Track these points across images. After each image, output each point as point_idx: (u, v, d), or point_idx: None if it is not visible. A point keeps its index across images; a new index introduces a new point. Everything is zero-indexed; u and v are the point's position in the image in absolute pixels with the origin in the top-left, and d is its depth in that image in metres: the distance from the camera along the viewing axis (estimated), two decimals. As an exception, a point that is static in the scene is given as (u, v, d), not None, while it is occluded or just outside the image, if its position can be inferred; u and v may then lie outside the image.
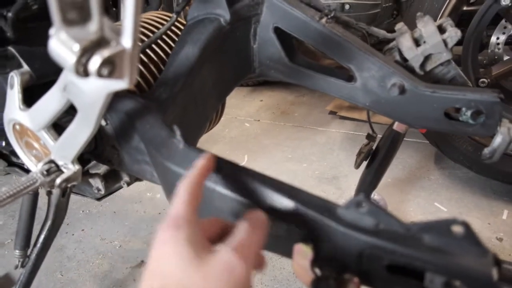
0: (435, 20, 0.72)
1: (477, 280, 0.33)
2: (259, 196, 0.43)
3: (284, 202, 0.42)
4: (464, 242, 0.33)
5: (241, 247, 0.35)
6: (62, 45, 0.32)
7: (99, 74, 0.33)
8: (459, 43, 1.12)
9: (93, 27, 0.32)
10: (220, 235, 0.41)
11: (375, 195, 1.14)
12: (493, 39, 1.23)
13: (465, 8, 1.17)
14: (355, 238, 0.38)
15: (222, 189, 0.46)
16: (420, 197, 1.32)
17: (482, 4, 1.09)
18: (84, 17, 0.31)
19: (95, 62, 0.32)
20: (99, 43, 0.32)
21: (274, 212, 0.43)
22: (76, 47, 0.31)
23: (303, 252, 0.41)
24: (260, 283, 1.05)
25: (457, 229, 0.33)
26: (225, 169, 0.46)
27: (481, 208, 1.23)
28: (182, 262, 0.33)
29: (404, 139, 1.51)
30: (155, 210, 1.40)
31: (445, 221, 0.34)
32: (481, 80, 1.11)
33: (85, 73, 0.33)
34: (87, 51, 0.32)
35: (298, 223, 0.42)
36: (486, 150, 0.67)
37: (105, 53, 0.33)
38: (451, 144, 1.25)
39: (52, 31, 0.32)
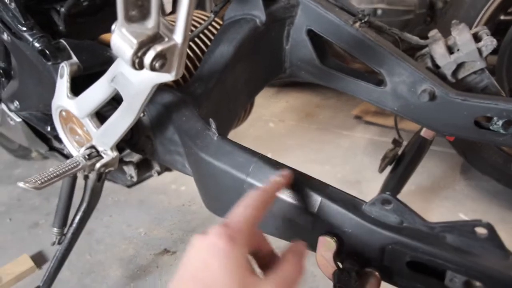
0: (470, 28, 0.72)
1: (498, 282, 0.34)
2: (288, 189, 0.46)
3: (312, 195, 0.44)
4: (487, 244, 0.35)
5: (283, 286, 0.36)
6: (122, 40, 0.35)
7: (152, 67, 0.37)
8: (494, 52, 1.10)
9: (150, 24, 0.35)
10: (256, 250, 0.41)
11: (397, 201, 1.14)
12: (530, 49, 1.20)
13: (502, 17, 1.15)
14: (378, 233, 0.40)
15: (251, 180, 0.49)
16: (443, 207, 1.30)
17: (520, 14, 1.07)
18: (144, 15, 0.34)
19: (149, 56, 0.36)
20: (155, 38, 0.36)
21: (300, 205, 0.45)
22: (134, 42, 0.35)
23: (327, 244, 0.43)
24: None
25: (481, 230, 0.35)
26: (255, 162, 0.49)
27: (507, 222, 1.20)
28: (230, 281, 0.33)
29: (430, 148, 1.49)
30: (178, 202, 1.44)
31: (469, 222, 0.35)
32: (515, 91, 1.09)
33: (140, 66, 0.36)
34: (144, 46, 0.35)
35: (323, 216, 0.44)
36: (516, 161, 0.67)
37: (159, 47, 0.36)
38: (479, 155, 1.23)
39: (114, 27, 0.36)
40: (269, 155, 1.66)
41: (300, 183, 0.46)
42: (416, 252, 0.38)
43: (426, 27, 1.65)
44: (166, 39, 0.37)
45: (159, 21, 0.35)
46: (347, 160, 1.65)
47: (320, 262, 0.45)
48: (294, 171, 0.47)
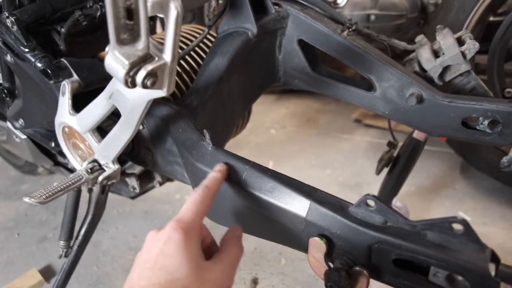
0: (461, 30, 0.75)
1: (475, 274, 0.35)
2: (278, 194, 0.48)
3: (301, 200, 0.46)
4: (464, 239, 0.36)
5: (230, 266, 0.43)
6: (114, 61, 0.38)
7: (144, 85, 0.39)
8: (486, 52, 1.12)
9: (140, 46, 0.38)
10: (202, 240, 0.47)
11: (397, 202, 1.16)
12: (522, 48, 1.21)
13: (491, 18, 1.17)
14: (365, 233, 0.42)
15: (243, 188, 0.51)
16: (444, 206, 1.31)
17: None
18: (134, 37, 0.37)
19: (141, 75, 0.39)
20: (145, 58, 0.38)
21: (291, 209, 0.47)
22: (126, 63, 0.38)
23: (318, 245, 0.45)
24: (281, 283, 1.09)
25: (458, 227, 0.36)
26: (248, 169, 0.51)
27: (506, 218, 1.21)
28: (188, 267, 0.38)
29: (429, 148, 1.51)
30: (183, 211, 1.47)
31: (447, 219, 0.37)
32: (507, 90, 1.10)
33: (133, 84, 0.39)
34: (135, 66, 0.38)
35: (313, 219, 0.46)
36: (505, 159, 0.68)
37: (149, 67, 0.39)
38: (477, 153, 1.24)
39: (107, 49, 0.38)
40: (271, 162, 1.67)
41: (290, 188, 0.48)
42: (400, 249, 0.40)
43: (421, 30, 1.67)
44: (156, 59, 0.40)
45: (148, 43, 0.38)
46: (347, 163, 1.66)
47: (312, 263, 0.47)
48: (283, 176, 0.50)
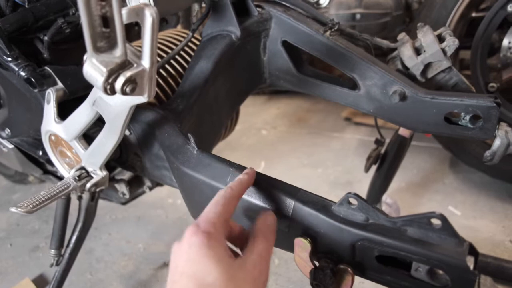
0: (444, 26, 0.76)
1: (455, 268, 0.36)
2: (262, 195, 0.48)
3: (285, 200, 0.47)
4: (442, 233, 0.37)
5: (261, 259, 0.40)
6: (93, 69, 0.38)
7: (123, 92, 0.39)
8: (469, 48, 1.14)
9: (118, 53, 0.38)
10: (229, 235, 0.45)
11: (387, 199, 1.17)
12: (505, 43, 1.23)
13: (474, 14, 1.19)
14: (347, 231, 0.42)
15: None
16: (434, 200, 1.33)
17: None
18: (111, 45, 0.37)
19: (119, 82, 0.39)
20: (123, 65, 0.39)
21: (276, 210, 0.48)
22: (104, 70, 0.38)
23: (302, 245, 0.46)
24: (275, 283, 1.09)
25: (436, 221, 0.37)
26: (232, 172, 0.52)
27: (495, 211, 1.23)
28: (217, 267, 0.36)
29: (418, 144, 1.52)
30: (176, 215, 1.46)
31: (425, 215, 0.37)
32: (491, 84, 1.11)
33: (112, 92, 0.39)
34: (113, 73, 0.38)
35: (297, 219, 0.46)
36: (487, 153, 0.70)
37: (128, 73, 0.39)
38: (464, 148, 1.26)
39: (85, 57, 0.39)
40: (263, 163, 1.67)
41: (274, 189, 0.48)
42: (382, 246, 0.40)
43: (406, 28, 1.69)
44: (135, 65, 0.40)
45: (125, 50, 0.38)
46: (338, 161, 1.68)
47: (298, 262, 0.47)
48: (267, 177, 0.50)
